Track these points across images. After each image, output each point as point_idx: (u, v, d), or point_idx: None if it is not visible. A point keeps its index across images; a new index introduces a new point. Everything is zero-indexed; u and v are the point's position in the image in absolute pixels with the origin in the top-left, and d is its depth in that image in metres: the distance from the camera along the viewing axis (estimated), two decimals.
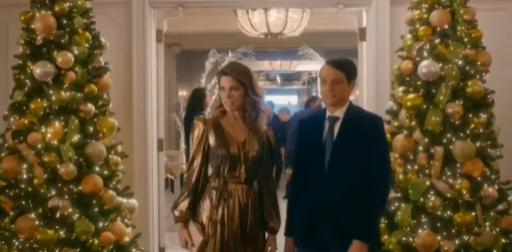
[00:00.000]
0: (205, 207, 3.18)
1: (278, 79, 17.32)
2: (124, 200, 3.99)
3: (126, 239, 3.90)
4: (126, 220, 3.99)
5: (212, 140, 3.19)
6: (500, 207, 3.89)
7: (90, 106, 3.84)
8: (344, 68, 3.10)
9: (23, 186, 3.73)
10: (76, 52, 3.85)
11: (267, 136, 3.28)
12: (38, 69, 3.75)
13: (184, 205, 3.19)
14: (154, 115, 5.10)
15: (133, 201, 4.11)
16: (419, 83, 3.94)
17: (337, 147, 3.06)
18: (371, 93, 4.91)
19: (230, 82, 3.15)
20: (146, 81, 4.95)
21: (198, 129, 3.21)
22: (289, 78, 17.11)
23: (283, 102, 17.65)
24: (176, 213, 3.20)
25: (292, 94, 18.67)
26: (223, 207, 3.14)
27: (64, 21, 3.88)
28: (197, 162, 3.21)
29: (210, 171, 3.22)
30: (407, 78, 4.03)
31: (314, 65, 11.23)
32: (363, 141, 3.02)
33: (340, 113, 3.12)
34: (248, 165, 3.18)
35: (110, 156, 3.93)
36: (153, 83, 5.07)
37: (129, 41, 4.90)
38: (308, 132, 3.24)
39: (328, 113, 3.16)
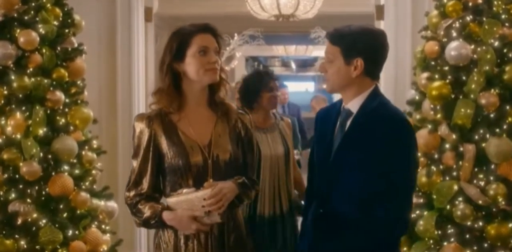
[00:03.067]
0: (167, 239, 2.44)
1: (293, 65, 17.16)
2: (102, 202, 3.71)
3: (103, 247, 3.63)
4: (103, 226, 3.73)
5: (164, 147, 2.42)
6: None
7: (59, 94, 3.52)
8: (340, 40, 2.28)
9: None
10: (42, 31, 3.50)
11: (242, 121, 2.52)
12: None
13: (148, 206, 2.40)
14: (142, 104, 4.83)
15: (112, 204, 3.81)
16: (446, 68, 3.67)
17: (339, 157, 2.32)
18: (389, 80, 4.65)
19: (214, 41, 2.42)
20: (132, 66, 4.69)
21: (141, 133, 2.44)
22: (304, 64, 16.92)
23: (300, 89, 17.57)
24: (148, 213, 2.37)
25: (308, 80, 18.59)
26: (193, 241, 2.40)
27: None
28: (146, 180, 2.43)
29: (167, 190, 2.45)
30: (432, 63, 3.76)
31: None
32: (370, 157, 2.23)
33: (354, 105, 2.35)
34: (220, 176, 2.40)
35: (83, 153, 3.64)
36: (141, 67, 4.80)
37: (113, 20, 4.63)
38: (320, 128, 2.50)
39: (343, 104, 2.42)
